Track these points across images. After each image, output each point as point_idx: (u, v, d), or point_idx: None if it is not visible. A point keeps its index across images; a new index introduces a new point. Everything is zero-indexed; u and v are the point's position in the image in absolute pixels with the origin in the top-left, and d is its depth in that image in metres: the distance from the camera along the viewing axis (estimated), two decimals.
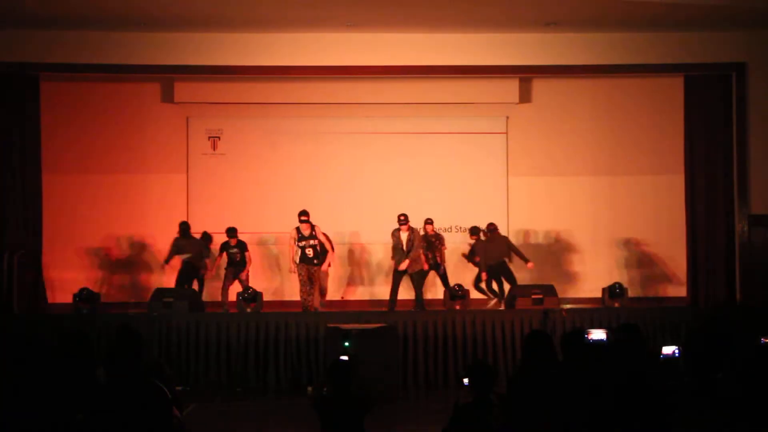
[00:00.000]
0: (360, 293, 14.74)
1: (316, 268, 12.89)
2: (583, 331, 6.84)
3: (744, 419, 4.79)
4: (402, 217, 13.11)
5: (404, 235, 13.11)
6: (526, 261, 13.78)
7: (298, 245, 12.84)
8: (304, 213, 12.92)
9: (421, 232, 13.44)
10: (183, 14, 12.44)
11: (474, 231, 14.17)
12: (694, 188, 13.94)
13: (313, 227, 12.83)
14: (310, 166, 15.00)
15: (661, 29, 13.16)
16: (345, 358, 10.15)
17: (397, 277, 13.25)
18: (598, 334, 7.21)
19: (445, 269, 13.84)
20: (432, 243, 13.60)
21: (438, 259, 13.64)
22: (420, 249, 13.20)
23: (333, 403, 6.37)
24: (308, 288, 12.81)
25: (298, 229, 12.84)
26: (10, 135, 13.41)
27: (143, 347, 6.00)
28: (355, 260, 14.95)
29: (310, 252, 12.86)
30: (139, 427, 5.10)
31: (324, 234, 13.03)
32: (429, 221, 13.67)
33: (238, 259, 13.62)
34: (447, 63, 13.44)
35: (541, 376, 5.62)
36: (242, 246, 13.69)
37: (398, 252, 13.13)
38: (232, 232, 13.62)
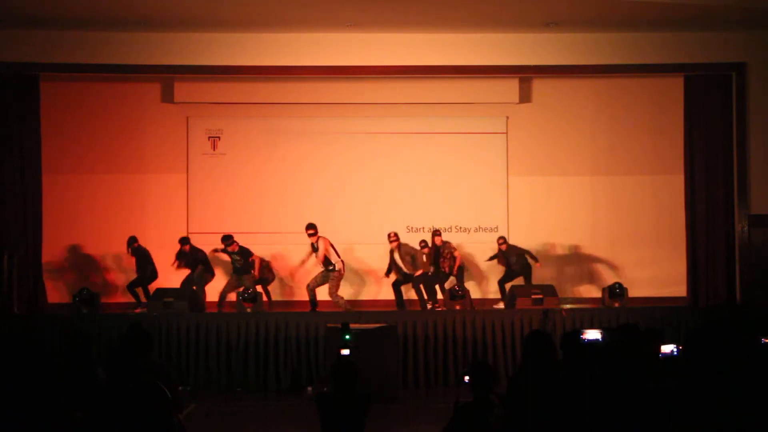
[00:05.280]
0: (360, 293, 14.74)
1: (328, 273, 13.23)
2: (581, 332, 6.86)
3: (744, 419, 4.79)
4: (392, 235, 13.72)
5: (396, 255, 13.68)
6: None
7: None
8: (309, 227, 13.28)
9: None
10: (183, 14, 12.44)
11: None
12: (694, 188, 13.94)
13: (316, 242, 13.18)
14: (310, 166, 15.00)
15: (661, 29, 13.16)
16: (347, 352, 10.21)
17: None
18: (593, 334, 7.23)
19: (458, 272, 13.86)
20: (442, 253, 13.66)
21: (446, 268, 13.68)
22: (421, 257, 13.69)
23: (335, 402, 6.36)
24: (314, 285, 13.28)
25: (311, 244, 13.33)
26: (10, 135, 13.41)
27: (151, 346, 6.06)
28: (355, 260, 14.93)
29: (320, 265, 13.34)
30: (138, 427, 5.10)
31: (325, 244, 13.26)
32: (437, 233, 13.79)
33: (240, 265, 13.54)
34: (447, 63, 13.44)
35: (541, 376, 5.62)
36: (244, 253, 13.62)
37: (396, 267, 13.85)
38: (228, 239, 13.55)
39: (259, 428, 9.91)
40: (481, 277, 14.86)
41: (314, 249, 13.29)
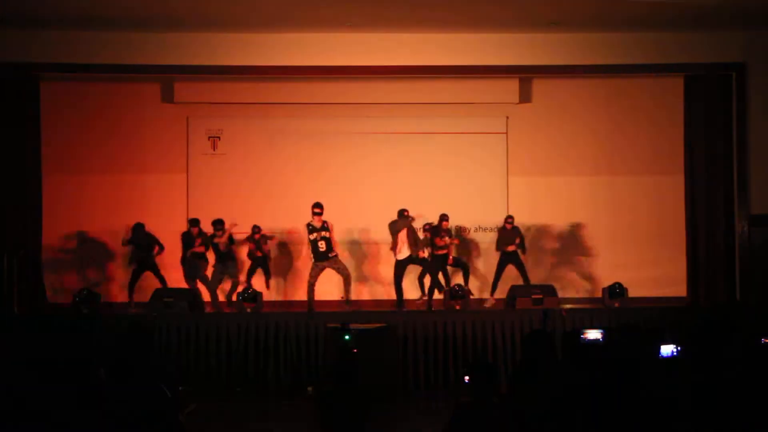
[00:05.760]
0: (360, 293, 14.73)
1: (331, 261, 12.90)
2: (581, 332, 6.86)
3: (744, 419, 4.79)
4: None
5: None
6: None
7: (309, 238, 12.82)
8: (317, 205, 12.87)
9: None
10: (183, 14, 12.45)
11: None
12: (694, 188, 13.94)
13: (324, 222, 12.88)
14: (310, 166, 15.00)
15: (661, 29, 13.17)
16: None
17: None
18: (593, 334, 7.23)
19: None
20: (446, 233, 13.59)
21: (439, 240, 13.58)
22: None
23: (335, 402, 6.36)
24: (314, 287, 12.88)
25: (308, 223, 12.83)
26: (11, 135, 13.41)
27: (151, 346, 6.07)
28: (354, 260, 14.93)
29: (322, 245, 12.81)
30: (138, 427, 5.10)
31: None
32: (445, 217, 13.68)
33: (224, 249, 13.51)
34: (447, 63, 13.45)
35: (541, 376, 5.62)
36: (231, 239, 13.70)
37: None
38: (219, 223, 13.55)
39: (259, 428, 9.90)
40: (480, 277, 14.87)
41: (314, 230, 12.82)
